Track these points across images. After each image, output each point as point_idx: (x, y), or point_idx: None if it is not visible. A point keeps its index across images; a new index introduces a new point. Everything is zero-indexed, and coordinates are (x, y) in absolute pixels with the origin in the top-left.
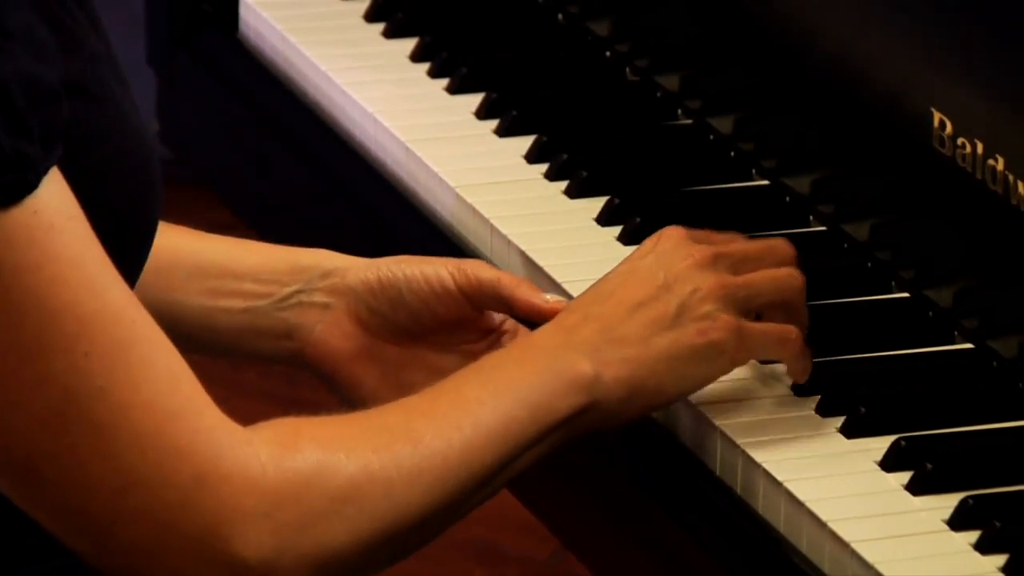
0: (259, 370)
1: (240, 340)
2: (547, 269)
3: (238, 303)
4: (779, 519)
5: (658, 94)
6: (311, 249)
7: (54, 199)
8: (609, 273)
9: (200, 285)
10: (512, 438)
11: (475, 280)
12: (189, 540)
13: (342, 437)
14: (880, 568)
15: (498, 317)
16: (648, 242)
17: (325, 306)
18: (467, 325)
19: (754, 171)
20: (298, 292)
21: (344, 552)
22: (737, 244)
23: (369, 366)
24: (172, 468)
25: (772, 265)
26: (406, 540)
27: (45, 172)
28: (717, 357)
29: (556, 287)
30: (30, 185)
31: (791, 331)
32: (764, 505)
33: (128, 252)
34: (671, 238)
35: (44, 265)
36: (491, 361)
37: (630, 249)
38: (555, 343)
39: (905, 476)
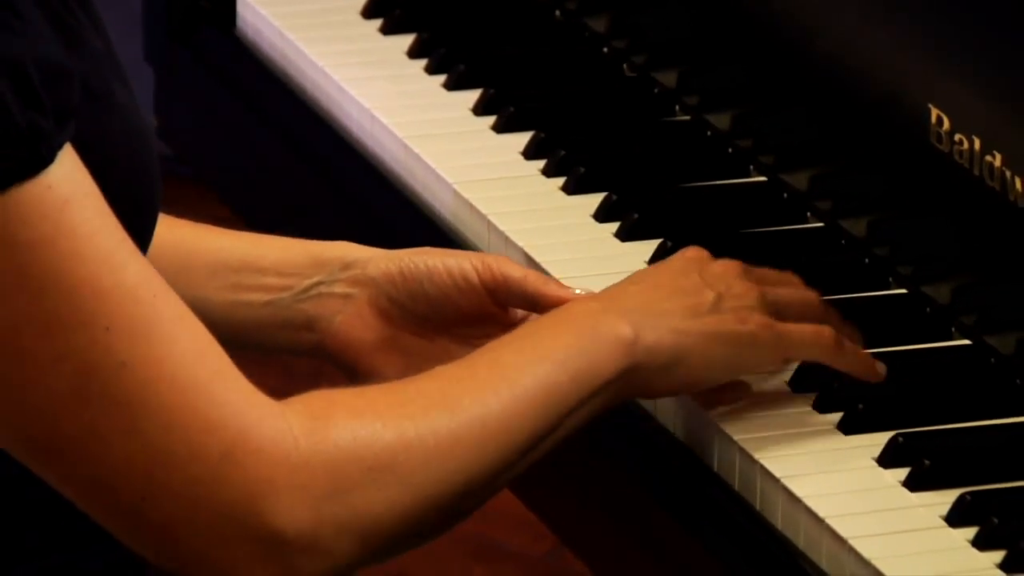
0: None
1: (262, 333)
2: (545, 265)
3: (260, 297)
4: (777, 515)
5: (655, 90)
6: (333, 242)
7: (68, 175)
8: (638, 272)
9: (223, 281)
10: (553, 403)
11: (500, 276)
12: (222, 515)
13: (376, 406)
14: (878, 564)
15: (520, 312)
16: (671, 257)
17: (346, 296)
18: (489, 318)
19: (752, 167)
20: (319, 284)
21: (386, 521)
22: (779, 287)
23: (390, 356)
24: (200, 443)
25: (811, 311)
26: (452, 507)
27: (59, 147)
28: (756, 348)
29: None
30: (44, 160)
31: (825, 332)
32: (762, 501)
33: None
34: (694, 249)
35: (59, 239)
36: (528, 329)
37: (628, 245)
38: (594, 309)
39: (903, 472)
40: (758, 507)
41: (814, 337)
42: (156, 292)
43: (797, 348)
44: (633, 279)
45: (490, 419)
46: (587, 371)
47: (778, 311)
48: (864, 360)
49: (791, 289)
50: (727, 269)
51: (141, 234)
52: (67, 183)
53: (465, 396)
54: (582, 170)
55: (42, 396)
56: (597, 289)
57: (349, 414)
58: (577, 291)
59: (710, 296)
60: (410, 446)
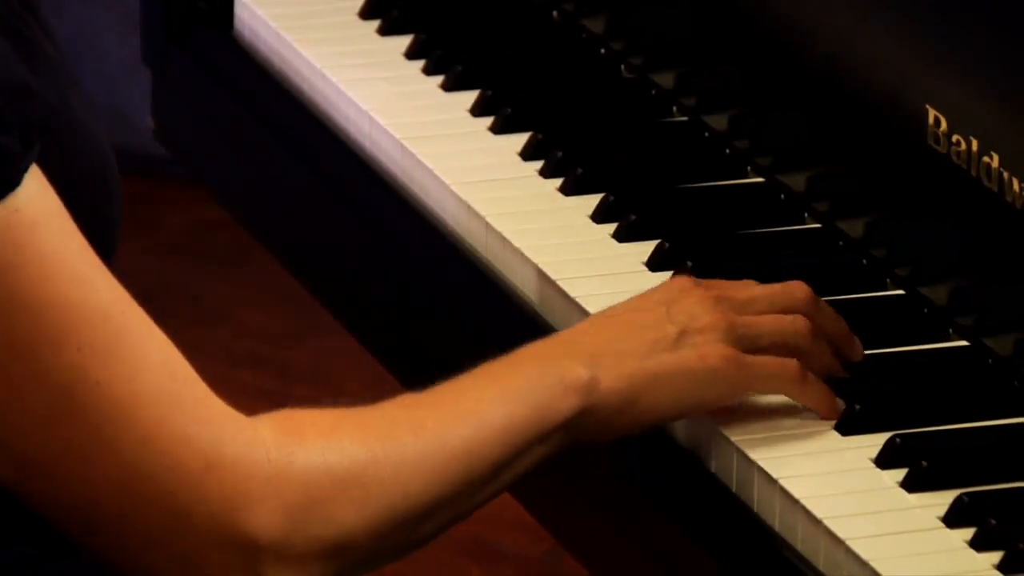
0: (254, 368)
1: None
2: (542, 266)
3: None
4: (774, 517)
5: (653, 92)
6: None
7: (35, 196)
8: (609, 307)
9: None
10: (514, 434)
11: None
12: (200, 526)
13: (343, 424)
14: (875, 565)
15: None
16: (657, 286)
17: None
18: None
19: (749, 168)
20: None
21: (355, 535)
22: (744, 290)
23: None
24: (177, 455)
25: (780, 310)
26: (416, 527)
27: (26, 169)
28: (716, 383)
29: (551, 284)
30: (12, 183)
31: (789, 365)
32: (759, 502)
33: None
34: (677, 280)
35: (28, 263)
36: (488, 367)
37: (625, 246)
38: (553, 351)
39: (900, 473)
40: (755, 508)
41: (778, 370)
42: (124, 308)
43: (760, 381)
44: (602, 314)
45: (453, 442)
46: (545, 408)
47: (751, 341)
48: (826, 397)
49: (768, 319)
50: (701, 300)
51: (104, 245)
52: (34, 205)
53: (428, 420)
54: (580, 171)
55: (18, 417)
56: (594, 290)
57: (317, 430)
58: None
59: (671, 332)
60: (378, 462)
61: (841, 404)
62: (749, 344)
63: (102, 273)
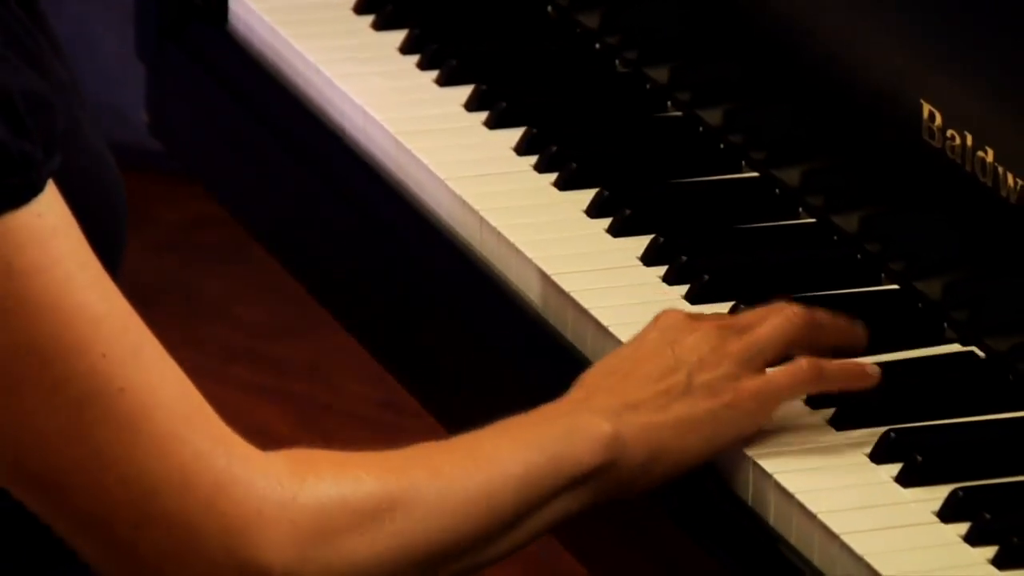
0: (249, 363)
1: None
2: (537, 261)
3: None
4: (769, 511)
5: (647, 86)
6: None
7: (55, 204)
8: (611, 355)
9: None
10: (533, 484)
11: None
12: (212, 545)
13: (360, 462)
14: (870, 560)
15: None
16: (648, 326)
17: None
18: None
19: (744, 163)
20: None
21: (367, 570)
22: (738, 315)
23: None
24: (193, 471)
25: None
26: (437, 568)
27: (48, 176)
28: (737, 420)
29: (545, 279)
30: (35, 188)
31: (800, 368)
32: (754, 497)
33: None
34: (670, 317)
35: (53, 267)
36: (507, 421)
37: (620, 241)
38: (569, 409)
39: (895, 468)
40: (750, 502)
41: (791, 379)
42: (140, 325)
43: (779, 398)
44: (607, 364)
45: (471, 487)
46: (567, 459)
47: (758, 359)
48: (851, 370)
49: (763, 328)
50: (704, 334)
51: (110, 265)
52: (54, 212)
53: (446, 464)
54: (574, 166)
55: (41, 424)
56: (589, 284)
57: (332, 465)
58: None
59: (682, 377)
60: (393, 499)
61: (875, 369)
62: (757, 364)
63: (116, 289)
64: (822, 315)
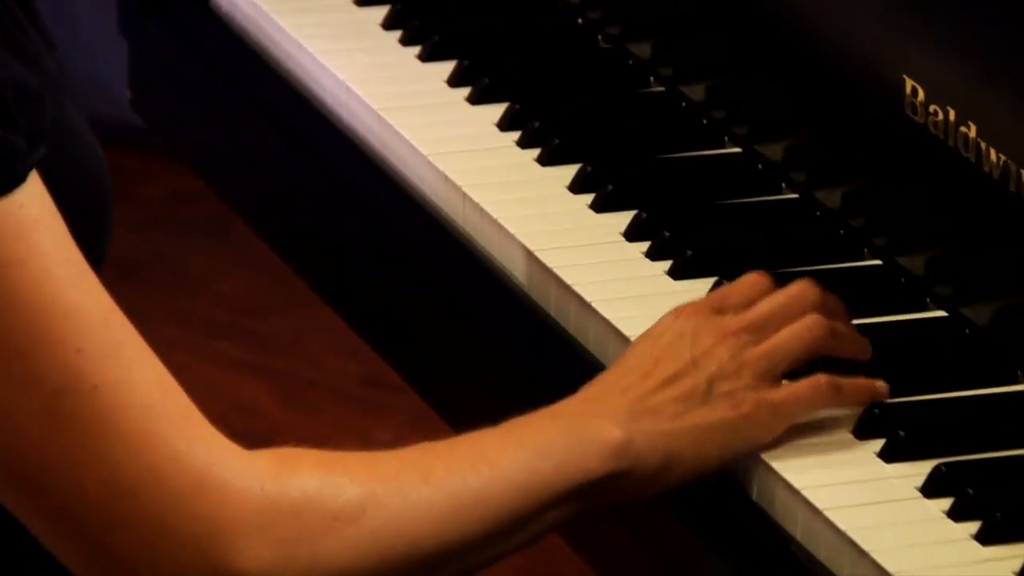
0: (232, 338)
1: None
2: (519, 237)
3: None
4: (752, 487)
5: (630, 62)
6: None
7: (37, 196)
8: (629, 352)
9: None
10: (534, 489)
11: None
12: (186, 549)
13: (346, 464)
14: (853, 536)
15: None
16: (667, 317)
17: None
18: None
19: (726, 139)
20: None
21: (349, 574)
22: (759, 308)
23: None
24: (169, 472)
25: (797, 316)
26: (422, 572)
27: (32, 167)
28: (753, 430)
29: (528, 255)
30: (18, 177)
31: (818, 384)
32: (740, 472)
33: None
34: (691, 314)
35: (32, 259)
36: (514, 421)
37: (603, 216)
38: (582, 411)
39: (878, 444)
40: (738, 477)
41: (810, 395)
42: (122, 321)
43: (797, 412)
44: (625, 363)
45: (465, 491)
46: (573, 467)
47: (777, 368)
48: (866, 388)
49: (783, 336)
50: (722, 337)
51: (95, 260)
52: (36, 204)
53: (440, 467)
54: (557, 141)
55: (15, 419)
56: (572, 260)
57: (317, 465)
58: None
59: (701, 383)
60: (378, 503)
61: (883, 385)
62: (776, 373)
63: (99, 283)
64: (840, 325)
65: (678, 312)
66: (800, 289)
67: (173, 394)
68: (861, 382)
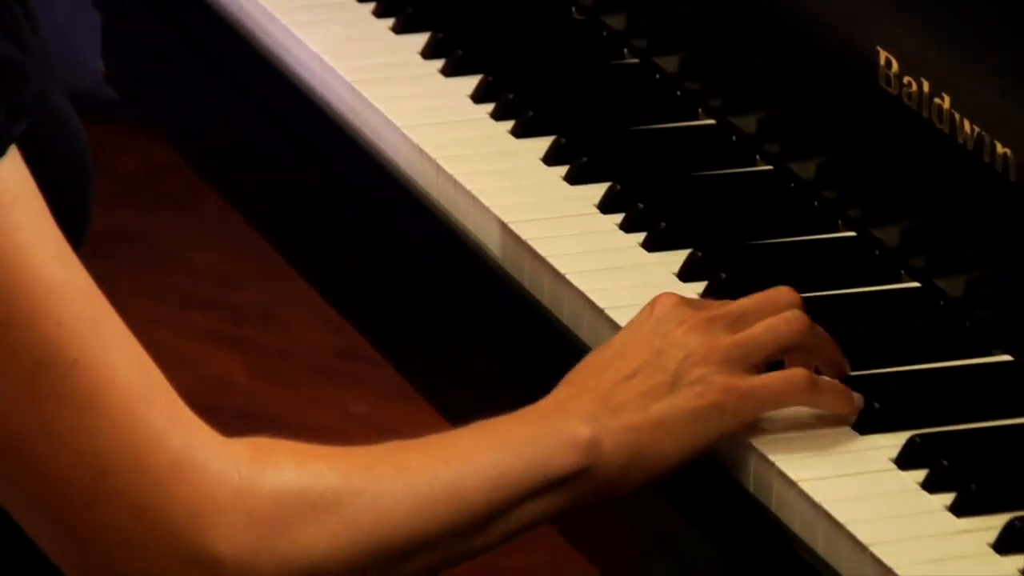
0: (206, 311)
1: None
2: (494, 209)
3: None
4: (718, 454)
5: (604, 33)
6: None
7: (16, 171)
8: (601, 347)
9: None
10: (505, 485)
11: None
12: (163, 529)
13: (323, 453)
14: (827, 507)
15: None
16: (643, 312)
17: None
18: None
19: (700, 110)
20: None
21: (326, 563)
22: (736, 302)
23: None
24: (148, 451)
25: (772, 315)
26: (395, 565)
27: (11, 141)
28: (721, 418)
29: (502, 227)
30: None
31: (794, 377)
32: (718, 450)
33: None
34: (665, 305)
35: (11, 232)
36: (483, 421)
37: (577, 188)
38: (549, 410)
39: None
40: (728, 466)
41: (783, 387)
42: (102, 299)
43: (767, 404)
44: (594, 361)
45: (437, 484)
46: (542, 462)
47: (749, 359)
48: (840, 396)
49: (760, 327)
50: (692, 327)
51: (75, 239)
52: (14, 179)
53: (412, 460)
54: (531, 113)
55: None
56: (546, 232)
57: (293, 454)
58: None
59: (667, 375)
60: (355, 491)
61: (859, 398)
62: (748, 363)
63: (78, 261)
64: (820, 329)
65: (653, 303)
66: (780, 291)
67: (151, 374)
68: (838, 387)
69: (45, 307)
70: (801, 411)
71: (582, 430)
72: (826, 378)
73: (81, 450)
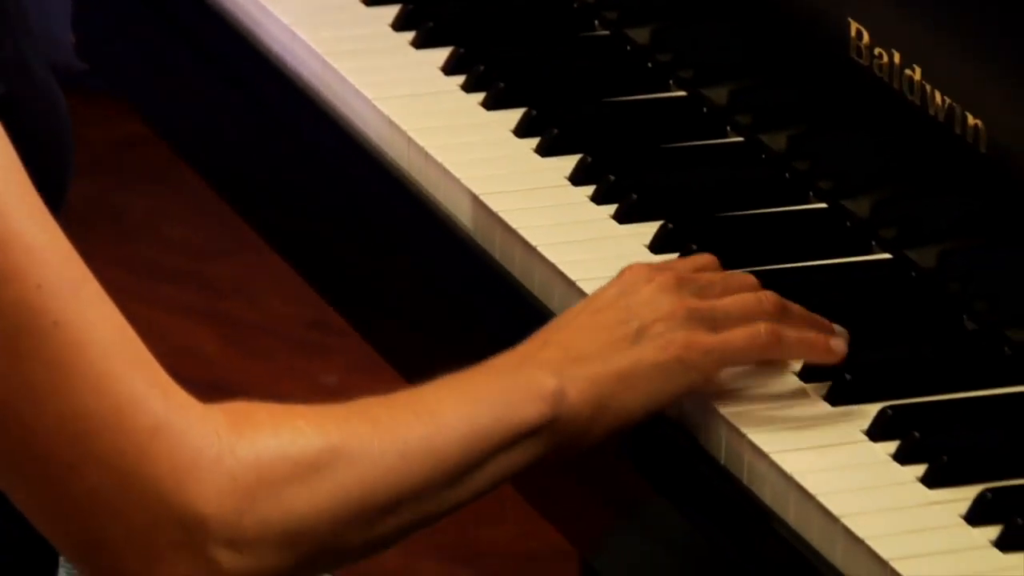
0: (177, 283)
1: None
2: (465, 181)
3: None
4: (700, 432)
5: (575, 4)
6: None
7: None
8: (571, 308)
9: None
10: (476, 437)
11: None
12: (147, 492)
13: (299, 413)
14: (798, 479)
15: None
16: (614, 280)
17: None
18: None
19: (671, 82)
20: None
21: (309, 522)
22: (706, 274)
23: None
24: (129, 413)
25: (737, 291)
26: (376, 522)
27: None
28: (684, 372)
29: (473, 199)
30: None
31: (757, 331)
32: (684, 414)
33: None
34: (633, 270)
35: None
36: (448, 377)
37: (548, 160)
38: (515, 363)
39: (823, 387)
40: (672, 417)
41: (748, 340)
42: (81, 263)
43: (733, 356)
44: (562, 318)
45: (412, 438)
46: (509, 413)
47: (715, 322)
48: (814, 342)
49: (731, 299)
50: (660, 286)
51: (55, 199)
52: None
53: (384, 416)
54: (502, 85)
55: None
56: (516, 204)
57: (270, 416)
58: None
59: (632, 328)
60: (334, 449)
61: (840, 346)
62: (712, 325)
63: (56, 225)
64: (796, 307)
65: (623, 271)
66: (745, 275)
67: (131, 340)
68: (808, 337)
69: (25, 269)
70: (773, 383)
71: (547, 381)
72: (792, 330)
73: (63, 413)
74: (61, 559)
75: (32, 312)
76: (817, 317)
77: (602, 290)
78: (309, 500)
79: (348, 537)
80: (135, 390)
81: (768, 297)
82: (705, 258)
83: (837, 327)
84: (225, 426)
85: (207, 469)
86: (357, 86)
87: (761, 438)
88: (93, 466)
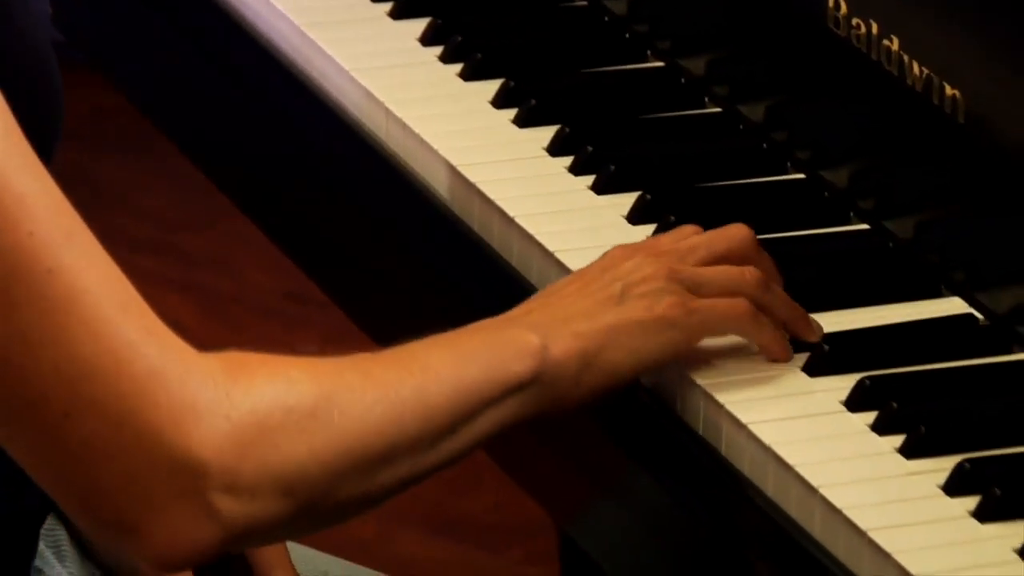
0: (155, 255)
1: None
2: (443, 152)
3: None
4: (677, 401)
5: None
6: None
7: None
8: (555, 282)
9: None
10: (466, 391)
11: None
12: (145, 437)
13: (293, 364)
14: (776, 449)
15: None
16: (596, 260)
17: None
18: None
19: (649, 53)
20: None
21: (307, 469)
22: (684, 240)
23: None
24: (126, 358)
25: (722, 255)
26: (372, 472)
27: None
28: (668, 331)
29: (452, 171)
30: None
31: (739, 304)
32: (660, 387)
33: None
34: (617, 249)
35: None
36: (435, 336)
37: (526, 131)
38: (502, 323)
39: (801, 358)
40: (644, 384)
41: (728, 310)
42: (72, 211)
43: (712, 323)
44: (547, 290)
45: (404, 390)
46: (497, 369)
47: (697, 288)
48: (779, 338)
49: (714, 269)
50: (644, 256)
51: (43, 154)
52: None
53: (376, 369)
54: (480, 56)
55: None
56: (495, 175)
57: (265, 365)
58: None
59: (616, 289)
60: (329, 397)
61: (812, 336)
62: (696, 291)
63: (47, 174)
64: (778, 289)
65: (607, 252)
66: (733, 227)
67: (126, 287)
68: (779, 332)
69: (18, 218)
70: (752, 353)
71: (531, 338)
72: (771, 322)
73: (59, 358)
74: (41, 531)
75: (25, 259)
76: (797, 305)
77: (586, 268)
78: (307, 447)
79: (346, 487)
80: (131, 336)
81: (752, 272)
82: (688, 230)
83: (814, 321)
84: (221, 372)
85: (205, 414)
86: (335, 57)
87: (739, 408)
88: (90, 412)
